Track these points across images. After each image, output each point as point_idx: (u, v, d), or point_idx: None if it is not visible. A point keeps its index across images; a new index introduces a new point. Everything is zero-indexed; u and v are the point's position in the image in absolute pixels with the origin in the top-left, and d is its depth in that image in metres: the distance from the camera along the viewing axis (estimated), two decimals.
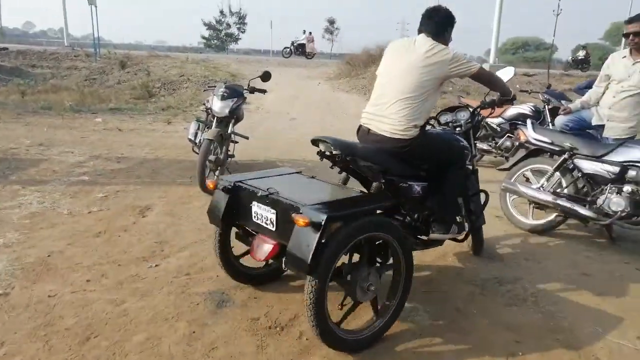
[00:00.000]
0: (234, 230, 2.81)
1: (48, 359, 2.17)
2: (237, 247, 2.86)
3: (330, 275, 2.15)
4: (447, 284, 3.10)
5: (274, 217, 2.35)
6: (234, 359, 2.25)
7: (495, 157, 6.62)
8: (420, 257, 3.33)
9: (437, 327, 2.59)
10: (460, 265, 3.42)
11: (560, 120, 4.54)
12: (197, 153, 5.16)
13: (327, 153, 2.54)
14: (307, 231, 2.08)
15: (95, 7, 17.42)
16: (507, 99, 3.02)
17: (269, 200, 2.36)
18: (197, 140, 5.39)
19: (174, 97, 11.61)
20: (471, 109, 3.36)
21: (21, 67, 15.40)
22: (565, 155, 3.90)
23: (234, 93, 5.11)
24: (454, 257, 3.51)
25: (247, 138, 5.46)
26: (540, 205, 4.05)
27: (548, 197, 3.90)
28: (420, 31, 2.78)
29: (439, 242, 3.02)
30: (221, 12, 40.30)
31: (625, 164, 3.60)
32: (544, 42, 51.71)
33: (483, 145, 6.46)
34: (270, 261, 2.70)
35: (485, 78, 2.84)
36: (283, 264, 2.27)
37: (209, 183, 2.75)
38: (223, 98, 5.01)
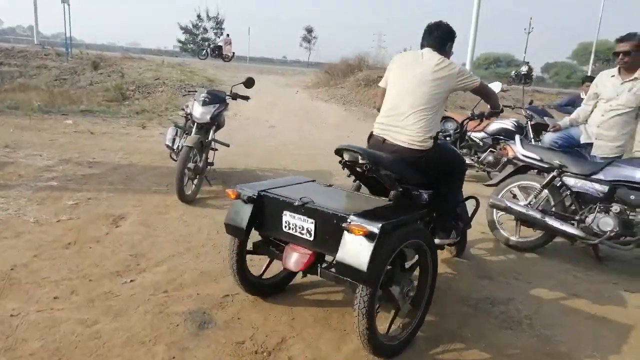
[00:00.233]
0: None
1: None
2: (255, 259, 2.91)
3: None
4: (439, 303, 2.98)
5: (312, 226, 2.35)
6: None
7: (477, 171, 6.62)
8: None
9: (434, 351, 2.48)
10: (450, 282, 3.33)
11: (548, 137, 4.53)
12: (175, 160, 4.96)
13: (350, 162, 2.59)
14: (361, 240, 2.10)
15: (68, 5, 16.81)
16: (496, 111, 3.29)
17: (304, 210, 2.36)
18: (175, 147, 5.17)
19: (149, 101, 11.27)
20: (457, 120, 3.49)
21: None
22: (554, 173, 3.87)
23: (216, 99, 4.94)
24: (441, 273, 3.40)
25: (227, 145, 5.28)
26: (527, 223, 4.01)
27: (536, 215, 3.86)
28: (423, 45, 2.94)
29: (440, 247, 3.10)
30: (198, 16, 39.84)
31: (614, 183, 3.59)
32: (515, 59, 53.38)
33: (466, 160, 6.45)
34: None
35: (485, 91, 3.03)
36: (319, 273, 2.38)
37: (229, 192, 2.62)
38: (204, 103, 4.84)
